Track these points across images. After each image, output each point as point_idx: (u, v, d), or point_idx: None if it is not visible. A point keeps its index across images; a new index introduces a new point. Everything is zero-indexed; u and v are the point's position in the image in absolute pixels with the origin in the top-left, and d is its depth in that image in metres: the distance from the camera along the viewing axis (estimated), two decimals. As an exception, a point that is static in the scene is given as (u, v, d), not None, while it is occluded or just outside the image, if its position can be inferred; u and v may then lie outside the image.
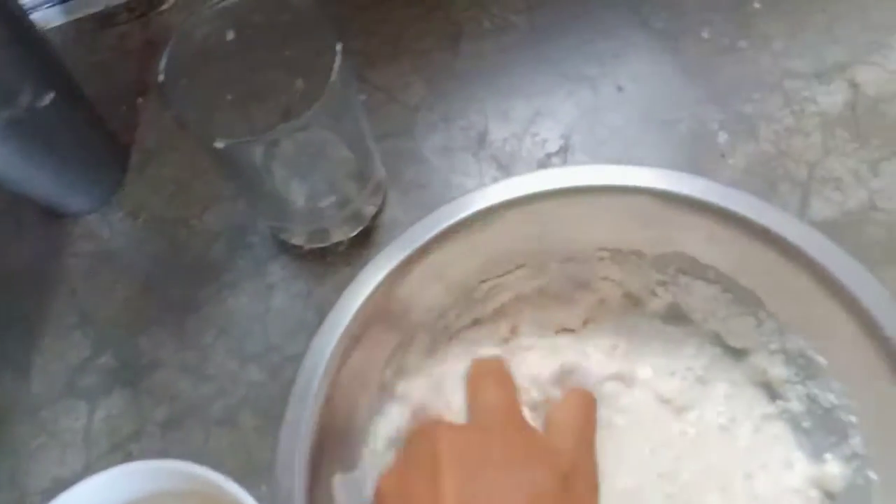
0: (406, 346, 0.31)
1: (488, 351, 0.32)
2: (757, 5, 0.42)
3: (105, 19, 0.48)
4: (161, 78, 0.30)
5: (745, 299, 0.30)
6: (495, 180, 0.39)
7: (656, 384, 0.32)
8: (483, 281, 0.32)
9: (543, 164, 0.39)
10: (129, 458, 0.35)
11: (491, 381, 0.30)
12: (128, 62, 0.46)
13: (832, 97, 0.39)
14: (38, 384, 0.37)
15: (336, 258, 0.38)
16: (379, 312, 0.29)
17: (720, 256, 0.30)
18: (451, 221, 0.29)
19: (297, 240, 0.39)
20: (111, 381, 0.37)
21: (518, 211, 0.29)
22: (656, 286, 0.32)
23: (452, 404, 0.31)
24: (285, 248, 0.39)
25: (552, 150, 0.40)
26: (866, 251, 0.34)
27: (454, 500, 0.24)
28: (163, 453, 0.35)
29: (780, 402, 0.31)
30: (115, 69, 0.46)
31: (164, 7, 0.48)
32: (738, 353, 0.32)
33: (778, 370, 0.30)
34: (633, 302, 0.33)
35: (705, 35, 0.41)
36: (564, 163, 0.39)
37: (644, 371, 0.32)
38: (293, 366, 0.36)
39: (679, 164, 0.38)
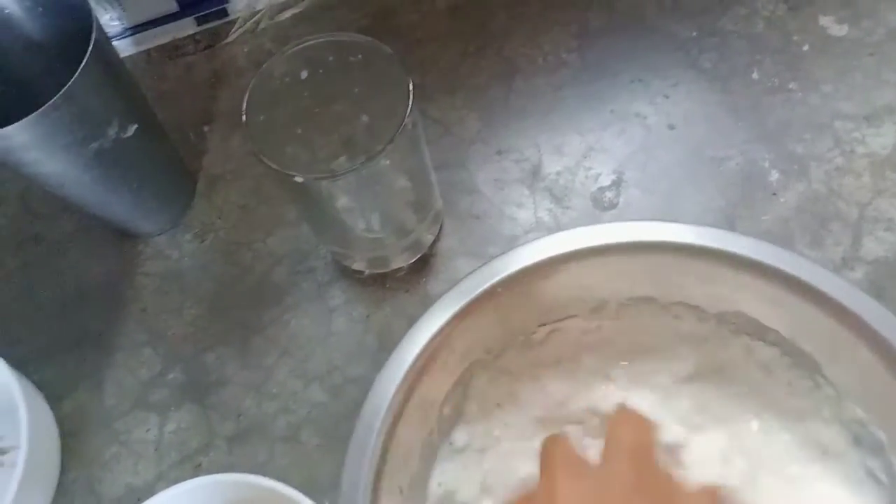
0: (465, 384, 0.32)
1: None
2: (805, 48, 0.43)
3: (173, 50, 0.51)
4: (244, 117, 0.32)
5: (804, 363, 0.30)
6: (549, 212, 0.41)
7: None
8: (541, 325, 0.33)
9: (597, 197, 0.41)
10: (198, 469, 0.36)
11: (630, 423, 0.30)
12: (194, 91, 0.49)
13: (882, 139, 0.39)
14: (111, 397, 0.39)
15: (395, 284, 0.40)
16: (442, 351, 0.30)
17: (780, 319, 0.30)
18: (516, 268, 0.30)
19: (357, 265, 0.40)
20: (180, 396, 0.39)
21: (576, 263, 0.30)
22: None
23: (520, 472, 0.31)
24: (346, 273, 0.41)
25: (605, 183, 0.41)
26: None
27: None
28: (230, 467, 0.36)
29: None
30: (182, 98, 0.49)
31: (229, 40, 0.51)
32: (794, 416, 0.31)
33: (833, 437, 0.30)
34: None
35: (755, 76, 0.43)
36: (618, 196, 0.40)
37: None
38: (354, 386, 0.38)
39: (732, 201, 0.39)
